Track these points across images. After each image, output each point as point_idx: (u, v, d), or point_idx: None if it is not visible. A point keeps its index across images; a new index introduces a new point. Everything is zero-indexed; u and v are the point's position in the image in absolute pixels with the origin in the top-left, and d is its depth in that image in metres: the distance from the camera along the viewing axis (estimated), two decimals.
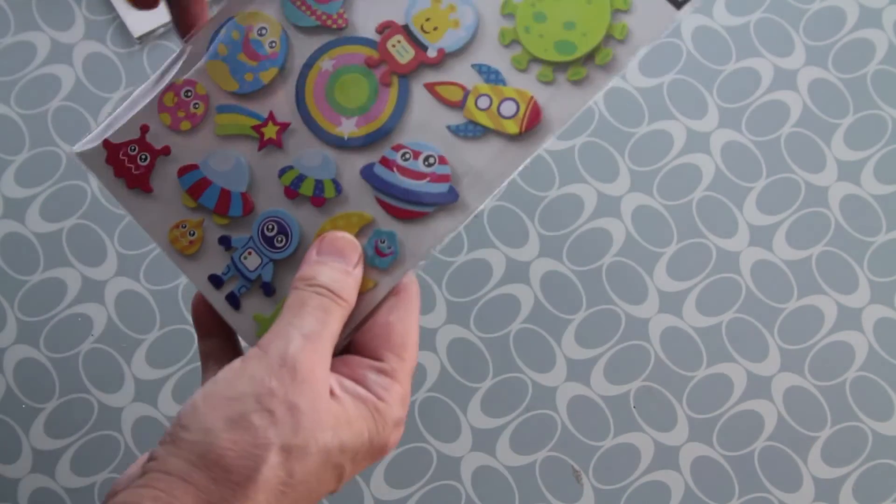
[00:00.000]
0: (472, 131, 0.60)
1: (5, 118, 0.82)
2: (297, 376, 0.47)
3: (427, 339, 0.79)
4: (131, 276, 0.80)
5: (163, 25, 0.82)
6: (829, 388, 0.75)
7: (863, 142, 0.79)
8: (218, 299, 0.60)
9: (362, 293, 0.58)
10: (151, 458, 0.45)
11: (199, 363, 0.78)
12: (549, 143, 0.85)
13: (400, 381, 0.51)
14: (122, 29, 0.83)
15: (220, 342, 0.58)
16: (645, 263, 0.78)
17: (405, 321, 0.55)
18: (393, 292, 0.57)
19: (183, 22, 0.62)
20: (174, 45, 0.82)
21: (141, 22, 0.82)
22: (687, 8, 0.60)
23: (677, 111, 0.81)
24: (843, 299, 0.76)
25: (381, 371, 0.51)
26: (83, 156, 0.62)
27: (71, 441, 0.78)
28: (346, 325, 0.55)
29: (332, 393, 0.48)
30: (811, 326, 0.76)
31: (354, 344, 0.53)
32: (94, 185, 0.81)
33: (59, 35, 0.84)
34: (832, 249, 0.77)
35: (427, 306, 0.79)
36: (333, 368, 0.50)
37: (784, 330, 0.76)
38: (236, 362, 0.48)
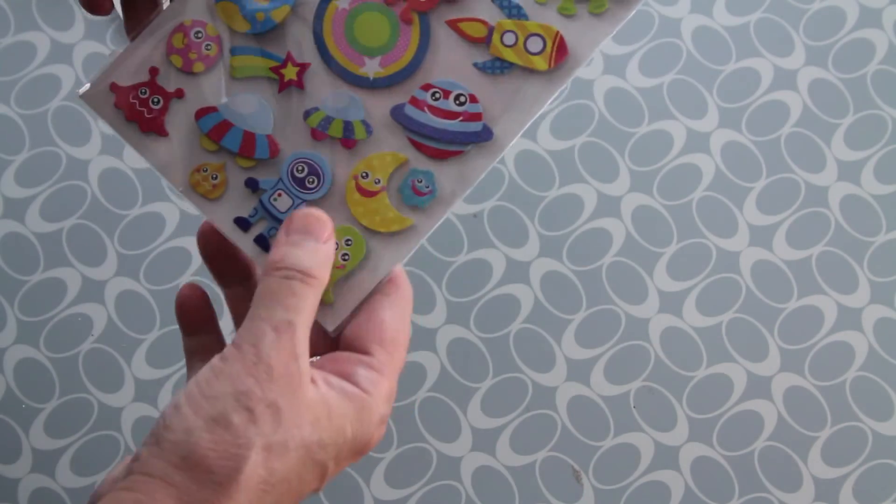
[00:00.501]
0: (500, 68, 0.60)
1: (5, 118, 0.82)
2: (274, 373, 0.47)
3: (427, 339, 0.79)
4: (131, 276, 0.80)
5: None
6: (829, 388, 0.75)
7: (863, 142, 0.79)
8: (245, 242, 0.59)
9: (399, 231, 0.59)
10: (135, 459, 0.45)
11: None
12: (550, 142, 0.85)
13: (387, 377, 0.51)
14: (123, 29, 0.83)
15: (204, 339, 0.57)
16: (645, 263, 0.78)
17: (398, 318, 0.54)
18: (387, 289, 0.57)
19: (134, 25, 0.61)
20: None
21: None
22: None
23: (677, 111, 0.81)
24: (843, 299, 0.76)
25: (369, 366, 0.51)
26: (89, 98, 0.59)
27: (71, 441, 0.78)
28: (379, 268, 0.57)
29: (316, 386, 0.48)
30: (811, 326, 0.76)
31: (345, 338, 0.53)
32: (94, 185, 0.81)
33: (59, 35, 0.84)
34: (832, 249, 0.77)
35: (427, 306, 0.79)
36: (321, 365, 0.51)
37: (784, 330, 0.76)
38: (215, 361, 0.48)
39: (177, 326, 0.78)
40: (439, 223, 0.59)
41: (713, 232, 0.78)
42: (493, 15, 0.60)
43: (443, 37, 0.61)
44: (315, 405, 0.48)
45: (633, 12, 0.59)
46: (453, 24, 0.60)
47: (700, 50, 0.81)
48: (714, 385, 0.76)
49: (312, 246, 0.54)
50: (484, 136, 0.60)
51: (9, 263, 0.80)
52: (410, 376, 0.78)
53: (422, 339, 0.78)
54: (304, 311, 0.50)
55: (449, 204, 0.59)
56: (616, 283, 0.78)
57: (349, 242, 0.59)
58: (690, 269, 0.78)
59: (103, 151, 0.81)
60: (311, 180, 0.60)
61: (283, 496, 0.47)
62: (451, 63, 0.60)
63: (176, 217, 0.80)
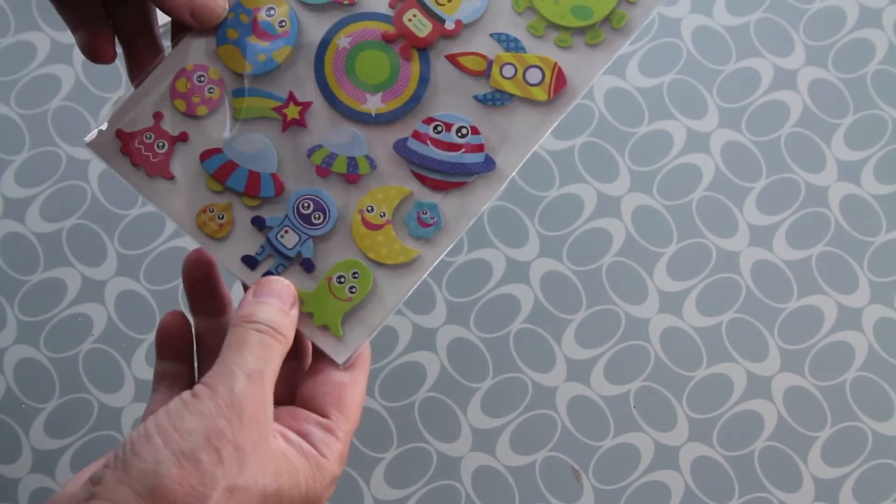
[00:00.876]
0: (500, 99, 0.61)
1: (5, 118, 0.82)
2: (244, 417, 0.48)
3: (427, 339, 0.79)
4: (131, 276, 0.80)
5: (162, 26, 0.82)
6: (829, 388, 0.75)
7: (863, 142, 0.79)
8: (253, 279, 0.60)
9: (406, 263, 0.60)
10: (96, 482, 0.46)
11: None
12: (550, 141, 0.85)
13: (341, 440, 0.53)
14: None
15: (176, 367, 0.59)
16: (645, 263, 0.78)
17: (356, 383, 0.56)
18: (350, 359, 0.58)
19: (137, 70, 0.62)
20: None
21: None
22: None
23: (677, 111, 0.81)
24: (843, 299, 0.76)
25: (325, 428, 0.53)
26: (96, 146, 0.62)
27: (71, 441, 0.78)
28: (386, 300, 0.59)
29: (277, 440, 0.50)
30: (811, 326, 0.76)
31: (302, 396, 0.55)
32: (94, 185, 0.81)
33: (59, 35, 0.84)
34: (832, 249, 0.77)
35: (427, 306, 0.79)
36: (281, 419, 0.53)
37: (784, 330, 0.76)
38: (186, 395, 0.49)
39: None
40: (444, 254, 0.60)
41: (713, 232, 0.78)
42: (491, 49, 0.61)
43: (442, 71, 0.61)
44: (277, 456, 0.49)
45: (627, 44, 0.61)
46: (453, 59, 0.61)
47: (700, 50, 0.81)
48: (714, 385, 0.76)
49: (279, 307, 0.55)
50: (487, 167, 0.61)
51: (9, 263, 0.80)
52: (410, 376, 0.78)
53: (422, 338, 0.78)
54: (272, 364, 0.52)
55: (454, 234, 0.60)
56: (616, 283, 0.78)
57: (356, 275, 0.60)
58: (690, 269, 0.78)
59: None
60: (316, 216, 0.61)
61: None
62: (452, 96, 0.61)
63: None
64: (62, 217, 0.81)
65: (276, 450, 0.50)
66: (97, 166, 0.81)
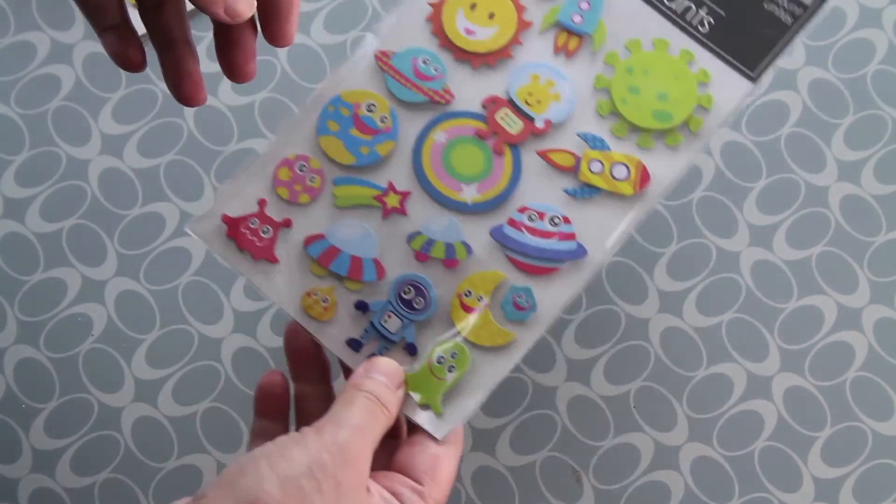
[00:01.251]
0: (589, 193, 0.65)
1: (5, 118, 0.82)
2: (347, 457, 0.51)
3: None
4: (131, 276, 0.80)
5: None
6: (829, 388, 0.75)
7: (863, 142, 0.79)
8: (357, 361, 0.63)
9: (503, 345, 0.63)
10: (200, 497, 0.49)
11: (199, 363, 0.78)
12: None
13: None
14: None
15: (275, 427, 0.62)
16: (645, 263, 0.78)
17: (450, 457, 0.59)
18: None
19: (174, 75, 0.62)
20: None
21: (141, 22, 0.82)
22: (762, 81, 0.67)
23: None
24: (843, 299, 0.76)
25: (417, 492, 0.55)
26: (200, 231, 0.65)
27: (71, 441, 0.78)
28: (484, 380, 0.62)
29: (372, 494, 0.53)
30: (811, 326, 0.76)
31: (399, 463, 0.58)
32: (94, 185, 0.81)
33: (59, 35, 0.84)
34: (832, 249, 0.77)
35: None
36: (377, 479, 0.55)
37: (784, 330, 0.76)
38: (294, 433, 0.52)
39: (177, 326, 0.78)
40: (539, 336, 0.63)
41: (713, 232, 0.78)
42: (578, 146, 0.66)
43: (533, 165, 0.66)
44: (370, 502, 0.52)
45: (705, 142, 0.65)
46: (544, 155, 0.66)
47: None
48: (714, 385, 0.76)
49: (387, 383, 0.59)
50: (578, 254, 0.64)
51: (9, 263, 0.80)
52: None
53: None
54: (375, 428, 0.56)
55: (548, 318, 0.64)
56: (616, 284, 0.78)
57: (455, 356, 0.63)
58: (690, 269, 0.78)
59: (103, 151, 0.81)
60: (417, 301, 0.64)
61: None
62: (543, 188, 0.66)
63: (176, 217, 0.79)
64: (62, 217, 0.81)
65: (370, 498, 0.52)
66: (97, 166, 0.81)
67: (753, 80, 0.67)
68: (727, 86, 0.67)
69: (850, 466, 0.74)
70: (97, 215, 0.81)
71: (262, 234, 0.65)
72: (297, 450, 0.51)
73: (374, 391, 0.57)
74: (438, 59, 0.69)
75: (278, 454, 0.51)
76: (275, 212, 0.65)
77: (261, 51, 0.84)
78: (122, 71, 0.83)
